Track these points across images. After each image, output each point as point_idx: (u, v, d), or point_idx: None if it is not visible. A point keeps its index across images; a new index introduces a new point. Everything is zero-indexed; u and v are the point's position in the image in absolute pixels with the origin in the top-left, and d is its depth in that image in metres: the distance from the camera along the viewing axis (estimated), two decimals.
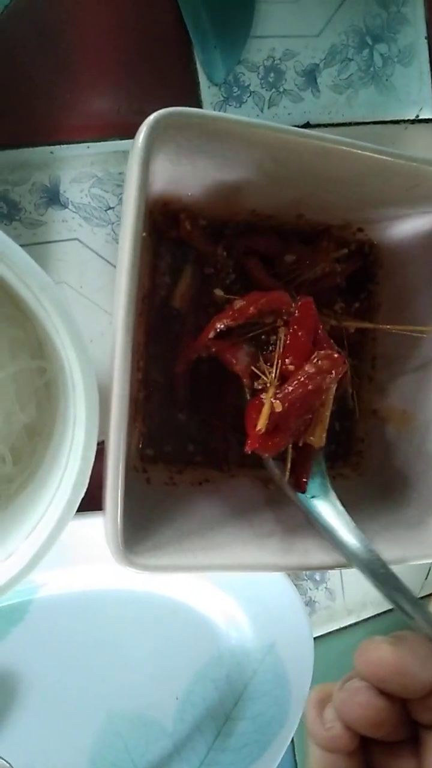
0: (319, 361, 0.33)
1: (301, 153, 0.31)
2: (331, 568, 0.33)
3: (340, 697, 0.25)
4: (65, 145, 0.38)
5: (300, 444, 0.35)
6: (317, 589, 0.49)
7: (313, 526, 0.34)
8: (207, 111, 0.28)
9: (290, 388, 0.32)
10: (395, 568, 0.31)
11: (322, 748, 0.25)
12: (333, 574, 0.49)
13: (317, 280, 0.39)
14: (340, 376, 0.33)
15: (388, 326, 0.40)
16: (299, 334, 0.33)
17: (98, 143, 0.38)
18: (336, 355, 0.33)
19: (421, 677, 0.24)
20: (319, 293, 0.40)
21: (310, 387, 0.32)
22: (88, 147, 0.38)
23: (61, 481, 0.29)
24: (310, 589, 0.49)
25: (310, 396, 0.33)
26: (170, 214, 0.37)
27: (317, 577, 0.49)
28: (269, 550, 0.33)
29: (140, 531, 0.31)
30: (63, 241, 0.38)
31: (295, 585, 0.48)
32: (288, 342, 0.34)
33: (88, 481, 0.29)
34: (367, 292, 0.43)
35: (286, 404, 0.32)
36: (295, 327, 0.34)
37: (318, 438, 0.35)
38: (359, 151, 0.31)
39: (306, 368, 0.33)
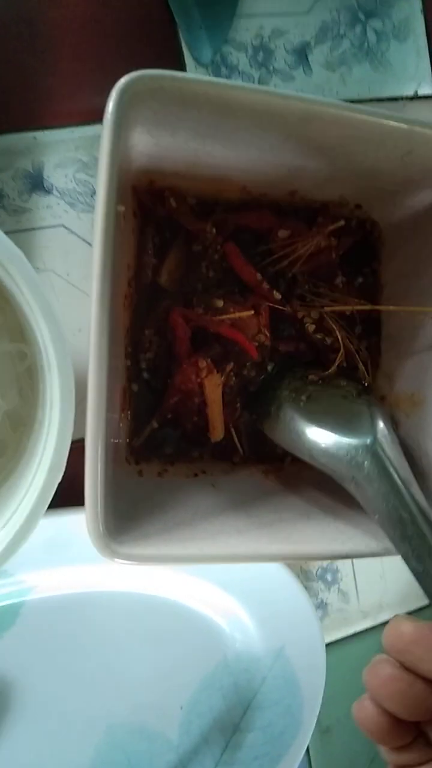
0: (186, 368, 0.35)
1: (286, 117, 0.30)
2: (331, 557, 0.31)
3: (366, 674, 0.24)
4: (48, 131, 0.37)
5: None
6: (329, 590, 0.46)
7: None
8: (180, 72, 0.27)
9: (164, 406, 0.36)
10: None
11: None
12: (346, 575, 0.47)
13: (312, 255, 0.37)
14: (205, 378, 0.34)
15: (386, 307, 0.38)
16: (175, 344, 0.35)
17: (82, 127, 0.37)
18: (204, 364, 0.34)
19: None
20: (316, 269, 0.38)
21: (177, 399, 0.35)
22: (72, 132, 0.37)
23: (38, 467, 0.28)
24: (321, 590, 0.46)
25: (185, 402, 0.35)
26: (156, 192, 0.35)
27: (329, 577, 0.46)
28: (266, 539, 0.31)
29: (127, 521, 0.30)
30: (48, 228, 0.37)
31: (305, 586, 0.45)
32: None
33: (65, 463, 0.27)
34: (370, 270, 0.41)
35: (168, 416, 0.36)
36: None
37: (215, 433, 0.36)
38: (347, 113, 0.30)
39: (173, 382, 0.35)
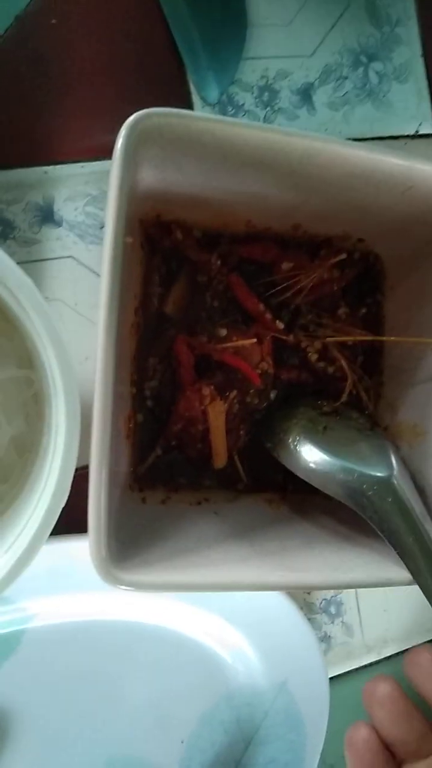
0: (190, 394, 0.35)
1: (289, 153, 0.31)
2: (334, 587, 0.31)
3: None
4: (59, 165, 0.38)
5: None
6: (333, 623, 0.46)
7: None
8: (187, 110, 0.28)
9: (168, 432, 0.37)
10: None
11: None
12: (350, 608, 0.46)
13: (315, 287, 0.37)
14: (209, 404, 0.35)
15: (388, 338, 0.39)
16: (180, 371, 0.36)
17: (92, 162, 0.39)
18: (207, 391, 0.35)
19: None
20: (319, 300, 0.39)
21: (180, 426, 0.36)
22: (83, 167, 0.39)
23: (42, 492, 0.28)
24: (325, 623, 0.46)
25: (188, 429, 0.36)
26: (163, 225, 0.36)
27: (332, 610, 0.46)
28: (269, 568, 0.31)
29: (130, 548, 0.30)
30: (57, 259, 0.38)
31: (309, 618, 0.45)
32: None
33: (68, 489, 0.27)
34: (373, 301, 0.41)
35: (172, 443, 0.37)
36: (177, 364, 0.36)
37: (218, 460, 0.36)
38: (348, 149, 0.31)
39: (179, 405, 0.36)
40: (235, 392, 0.36)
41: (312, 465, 0.35)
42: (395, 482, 0.33)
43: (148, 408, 0.37)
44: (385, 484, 0.33)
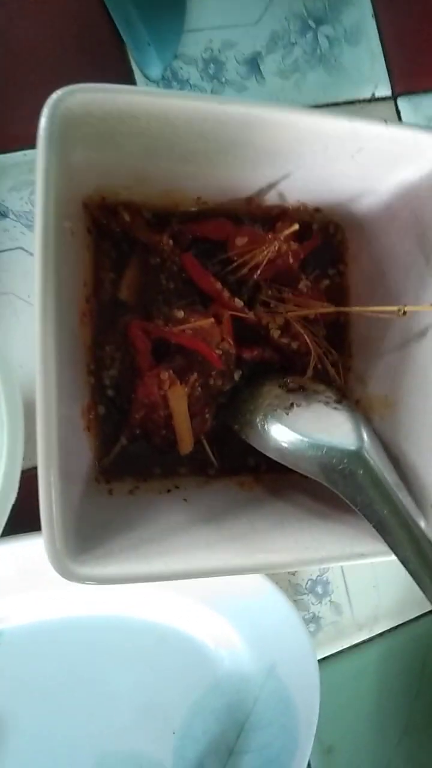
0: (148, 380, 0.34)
1: (226, 122, 0.29)
2: (306, 565, 0.30)
3: None
4: (0, 155, 0.37)
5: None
6: (320, 603, 0.45)
7: None
8: (112, 84, 0.27)
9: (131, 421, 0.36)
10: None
11: None
12: (337, 586, 0.45)
13: (273, 261, 0.36)
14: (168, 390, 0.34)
15: (350, 309, 0.38)
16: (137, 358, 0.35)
17: (34, 150, 0.37)
18: (166, 375, 0.34)
19: None
20: (278, 275, 0.38)
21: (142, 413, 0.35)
22: (25, 155, 0.38)
23: None
24: (312, 603, 0.45)
25: (151, 416, 0.35)
26: (109, 208, 0.35)
27: (319, 590, 0.45)
28: (234, 552, 0.30)
29: (91, 541, 0.29)
30: (6, 251, 0.37)
31: (295, 600, 0.44)
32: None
33: (16, 489, 0.27)
34: (336, 272, 0.40)
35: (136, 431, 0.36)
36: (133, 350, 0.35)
37: (183, 446, 0.35)
38: (289, 114, 0.30)
39: (136, 396, 0.35)
40: (195, 375, 0.35)
41: (281, 444, 0.34)
42: (365, 454, 0.32)
43: (109, 398, 0.36)
44: (355, 456, 0.32)
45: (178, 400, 0.34)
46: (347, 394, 0.39)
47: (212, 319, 0.35)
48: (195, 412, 0.36)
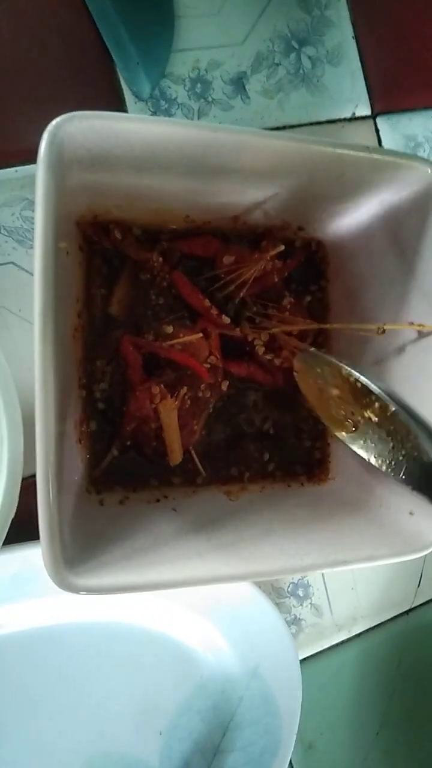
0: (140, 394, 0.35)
1: (218, 148, 0.31)
2: (290, 573, 0.32)
3: None
4: None
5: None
6: (302, 605, 0.47)
7: None
8: (108, 112, 0.28)
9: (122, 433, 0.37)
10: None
11: None
12: (318, 589, 0.47)
13: (258, 279, 0.38)
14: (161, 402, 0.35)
15: (331, 325, 0.39)
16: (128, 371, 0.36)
17: (26, 167, 0.38)
18: (157, 390, 0.35)
19: None
20: (263, 292, 0.39)
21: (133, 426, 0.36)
22: (17, 171, 0.38)
23: None
24: (294, 606, 0.46)
25: (142, 429, 0.36)
26: (100, 226, 0.36)
27: (300, 593, 0.47)
28: (224, 561, 0.31)
29: (85, 552, 0.30)
30: None
31: (277, 603, 0.46)
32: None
33: (16, 500, 0.27)
34: (318, 288, 0.42)
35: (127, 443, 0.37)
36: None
37: (173, 457, 0.36)
38: (276, 141, 0.31)
39: (130, 405, 0.36)
40: (185, 389, 0.36)
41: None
42: None
43: (100, 411, 0.37)
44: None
45: (169, 413, 0.35)
46: None
47: (200, 334, 0.36)
48: (184, 423, 0.37)
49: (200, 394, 0.37)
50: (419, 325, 0.35)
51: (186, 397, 0.36)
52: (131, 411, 0.36)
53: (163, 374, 0.36)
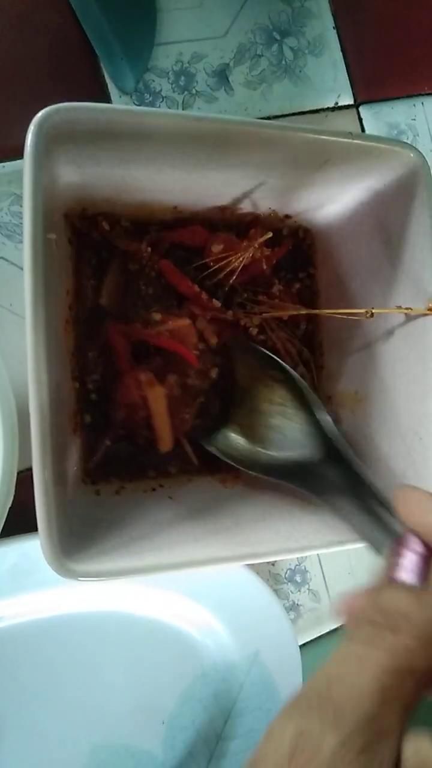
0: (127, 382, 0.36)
1: (203, 138, 0.31)
2: (287, 555, 0.32)
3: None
4: None
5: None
6: (299, 591, 0.47)
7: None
8: (93, 103, 0.28)
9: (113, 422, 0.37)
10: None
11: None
12: (315, 575, 0.47)
13: (248, 266, 0.38)
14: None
15: (319, 311, 0.40)
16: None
17: (13, 162, 0.38)
18: (145, 377, 0.35)
19: None
20: (253, 279, 0.39)
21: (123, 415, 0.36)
22: (3, 167, 0.38)
23: None
24: (292, 592, 0.47)
25: (132, 417, 0.36)
26: (89, 218, 0.36)
27: (298, 578, 0.47)
28: (221, 545, 0.32)
29: (83, 540, 0.30)
30: None
31: (275, 589, 0.46)
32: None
33: (12, 492, 0.28)
34: (307, 276, 0.42)
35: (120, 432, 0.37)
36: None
37: (163, 444, 0.37)
38: (260, 129, 0.31)
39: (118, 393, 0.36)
40: (175, 376, 0.36)
41: (236, 454, 0.37)
42: (321, 462, 0.35)
43: (93, 402, 0.37)
44: (313, 464, 0.35)
45: (157, 400, 0.36)
46: (319, 390, 0.41)
47: (188, 321, 0.36)
48: (175, 411, 0.37)
49: (190, 381, 0.37)
50: (407, 309, 0.35)
51: (176, 384, 0.37)
52: (120, 399, 0.36)
53: (152, 362, 0.36)
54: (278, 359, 0.37)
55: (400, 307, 0.36)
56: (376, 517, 0.31)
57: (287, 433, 0.36)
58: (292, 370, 0.36)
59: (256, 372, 0.38)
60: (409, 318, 0.36)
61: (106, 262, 0.38)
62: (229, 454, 0.37)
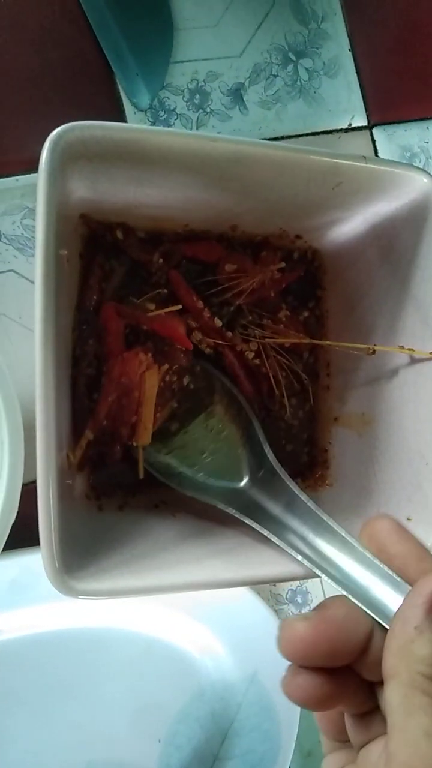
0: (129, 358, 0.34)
1: (216, 159, 0.31)
2: (290, 579, 0.32)
3: (284, 683, 0.25)
4: None
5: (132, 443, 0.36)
6: (300, 612, 0.47)
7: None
8: (108, 122, 0.28)
9: (100, 408, 0.34)
10: None
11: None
12: (316, 596, 0.47)
13: (255, 289, 0.38)
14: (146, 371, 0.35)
15: (323, 342, 0.40)
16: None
17: (26, 176, 0.39)
18: (144, 357, 0.34)
19: (345, 641, 0.23)
20: (260, 301, 0.39)
21: (114, 396, 0.34)
22: (17, 180, 0.39)
23: None
24: (292, 612, 0.47)
25: (122, 401, 0.35)
26: (103, 224, 0.36)
27: (299, 599, 0.47)
28: (224, 566, 0.31)
29: (85, 557, 0.30)
30: None
31: (276, 610, 0.46)
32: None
33: (17, 506, 0.28)
34: (314, 299, 0.42)
35: (103, 422, 0.34)
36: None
37: (143, 437, 0.35)
38: (273, 151, 0.32)
39: (109, 377, 0.34)
40: (167, 366, 0.36)
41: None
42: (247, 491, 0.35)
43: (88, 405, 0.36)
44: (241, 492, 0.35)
45: (152, 384, 0.35)
46: (323, 411, 0.41)
47: (180, 306, 0.36)
48: (157, 404, 0.36)
49: (168, 378, 0.37)
50: (410, 350, 0.35)
51: (166, 375, 0.36)
52: (115, 377, 0.35)
53: (144, 346, 0.36)
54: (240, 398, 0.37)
55: (403, 347, 0.36)
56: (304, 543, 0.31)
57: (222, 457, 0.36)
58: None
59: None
60: (415, 359, 0.36)
61: (113, 269, 0.37)
62: (162, 471, 0.37)
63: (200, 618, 0.42)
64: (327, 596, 0.48)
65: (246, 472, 0.36)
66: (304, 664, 0.24)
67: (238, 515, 0.34)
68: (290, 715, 0.42)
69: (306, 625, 0.24)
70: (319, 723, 0.28)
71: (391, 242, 0.37)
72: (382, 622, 0.25)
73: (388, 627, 0.24)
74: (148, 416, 0.35)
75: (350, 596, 0.26)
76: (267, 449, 0.36)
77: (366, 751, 0.26)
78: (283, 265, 0.38)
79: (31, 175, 0.39)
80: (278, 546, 0.34)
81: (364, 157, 0.33)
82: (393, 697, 0.21)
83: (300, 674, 0.25)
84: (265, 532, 0.32)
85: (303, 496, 0.33)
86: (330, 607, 0.25)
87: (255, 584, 0.31)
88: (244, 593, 0.41)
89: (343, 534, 0.30)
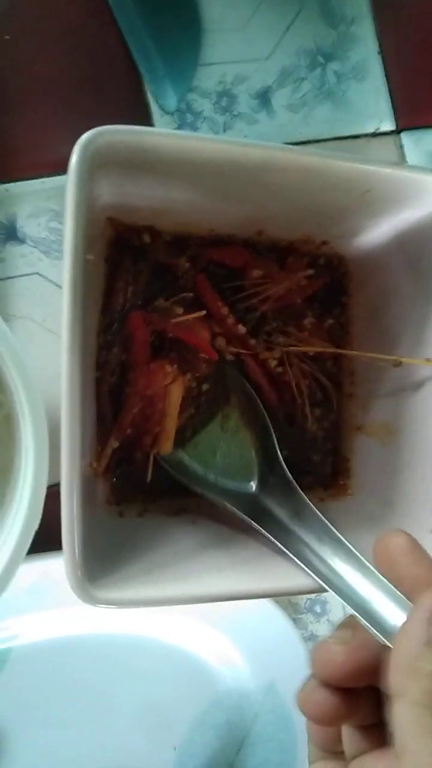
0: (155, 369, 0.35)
1: (245, 164, 0.31)
2: (311, 591, 0.31)
3: (300, 698, 0.26)
4: (20, 182, 0.38)
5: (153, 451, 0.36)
6: (318, 622, 0.46)
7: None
8: (138, 126, 0.28)
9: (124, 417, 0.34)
10: None
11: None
12: (334, 605, 0.47)
13: (281, 297, 0.38)
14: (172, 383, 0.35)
15: (347, 351, 0.39)
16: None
17: (52, 178, 0.39)
18: (170, 368, 0.34)
19: (376, 664, 0.24)
20: (285, 308, 0.39)
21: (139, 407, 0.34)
22: (43, 182, 0.39)
23: (16, 514, 0.28)
24: (311, 622, 0.46)
25: (145, 412, 0.35)
26: (130, 227, 0.36)
27: (318, 609, 0.46)
28: (246, 577, 0.31)
29: (106, 564, 0.30)
30: (23, 276, 0.38)
31: (294, 619, 0.45)
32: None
33: (41, 509, 0.27)
34: (339, 306, 0.42)
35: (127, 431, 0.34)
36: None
37: (165, 447, 0.35)
38: (303, 157, 0.31)
39: (134, 388, 0.34)
40: (189, 375, 0.36)
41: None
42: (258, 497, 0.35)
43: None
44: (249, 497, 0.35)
45: (176, 396, 0.35)
46: (347, 420, 0.41)
47: (204, 312, 0.36)
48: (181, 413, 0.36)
49: (188, 385, 0.36)
50: None
51: (189, 386, 0.36)
52: (139, 389, 0.35)
53: (168, 357, 0.36)
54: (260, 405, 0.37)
55: (429, 360, 0.35)
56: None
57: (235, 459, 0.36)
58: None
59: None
60: None
61: (140, 270, 0.37)
62: (173, 467, 0.36)
63: (218, 626, 0.41)
64: (346, 607, 0.47)
65: (257, 477, 0.36)
66: (333, 684, 0.24)
67: (246, 519, 0.34)
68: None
69: (344, 651, 0.24)
70: (310, 731, 0.28)
71: (419, 249, 0.36)
72: (384, 639, 0.24)
73: (390, 645, 0.24)
74: (171, 427, 0.35)
75: (354, 611, 0.26)
76: (280, 457, 0.35)
77: (359, 763, 0.25)
78: (312, 272, 0.38)
79: (57, 177, 0.38)
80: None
81: (394, 164, 0.33)
82: (403, 716, 0.21)
83: (319, 691, 0.24)
84: (272, 539, 0.32)
85: (312, 507, 0.33)
86: (364, 629, 0.25)
87: (277, 596, 0.31)
88: (264, 602, 0.40)
89: (351, 548, 0.30)
